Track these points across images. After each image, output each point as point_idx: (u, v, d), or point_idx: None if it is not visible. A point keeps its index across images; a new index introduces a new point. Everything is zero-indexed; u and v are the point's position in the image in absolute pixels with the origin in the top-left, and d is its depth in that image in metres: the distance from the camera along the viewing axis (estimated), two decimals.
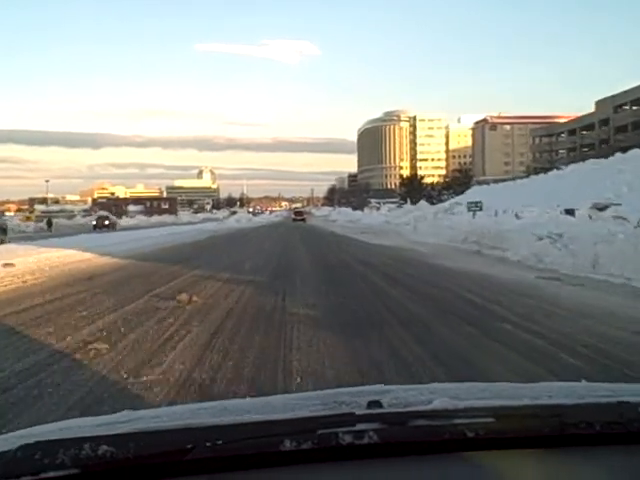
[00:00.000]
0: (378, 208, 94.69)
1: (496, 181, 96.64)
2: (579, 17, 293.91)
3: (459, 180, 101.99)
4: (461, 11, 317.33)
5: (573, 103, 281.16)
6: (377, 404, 1.40)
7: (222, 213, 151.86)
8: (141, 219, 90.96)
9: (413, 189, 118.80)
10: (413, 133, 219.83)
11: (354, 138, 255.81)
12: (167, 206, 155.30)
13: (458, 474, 1.22)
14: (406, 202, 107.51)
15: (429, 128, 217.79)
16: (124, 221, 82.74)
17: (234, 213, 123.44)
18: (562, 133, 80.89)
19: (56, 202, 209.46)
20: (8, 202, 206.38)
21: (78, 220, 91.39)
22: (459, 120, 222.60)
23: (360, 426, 1.24)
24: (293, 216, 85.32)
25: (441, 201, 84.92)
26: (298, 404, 1.51)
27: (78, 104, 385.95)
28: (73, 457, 1.16)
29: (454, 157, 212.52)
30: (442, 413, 1.32)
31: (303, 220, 77.80)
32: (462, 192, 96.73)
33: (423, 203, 57.02)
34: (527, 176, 68.98)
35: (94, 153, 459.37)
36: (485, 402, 1.44)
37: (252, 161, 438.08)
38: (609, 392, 1.58)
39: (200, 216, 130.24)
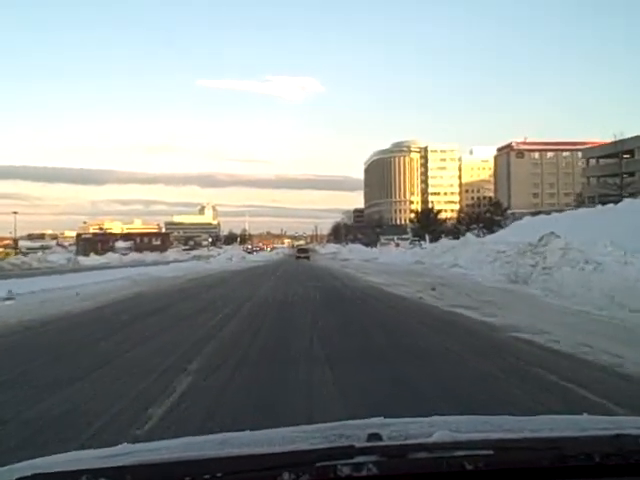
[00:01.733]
0: (398, 244, 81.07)
1: (534, 213, 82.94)
2: (595, 42, 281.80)
3: (491, 212, 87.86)
4: (469, 41, 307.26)
5: (592, 132, 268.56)
6: (377, 437, 1.40)
7: (218, 250, 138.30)
8: (115, 257, 76.63)
9: (428, 224, 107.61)
10: (424, 165, 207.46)
11: (358, 175, 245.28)
12: (159, 242, 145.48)
13: None
14: (421, 239, 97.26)
15: (441, 160, 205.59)
16: (90, 260, 69.28)
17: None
18: (631, 152, 64.73)
19: (54, 238, 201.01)
20: (4, 238, 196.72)
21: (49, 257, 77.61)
22: (471, 152, 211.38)
23: (359, 458, 1.25)
24: (296, 254, 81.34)
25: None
26: (298, 437, 1.51)
27: (82, 140, 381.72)
28: None
29: (467, 191, 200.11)
30: (442, 445, 1.32)
31: (307, 258, 73.68)
32: (495, 226, 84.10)
33: (470, 237, 42.63)
34: (576, 207, 55.38)
35: (98, 189, 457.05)
36: (485, 435, 1.44)
37: (254, 198, 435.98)
38: (610, 424, 1.61)
39: (193, 253, 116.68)
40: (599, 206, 37.85)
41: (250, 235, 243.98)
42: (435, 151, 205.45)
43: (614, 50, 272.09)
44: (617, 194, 56.34)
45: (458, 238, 77.63)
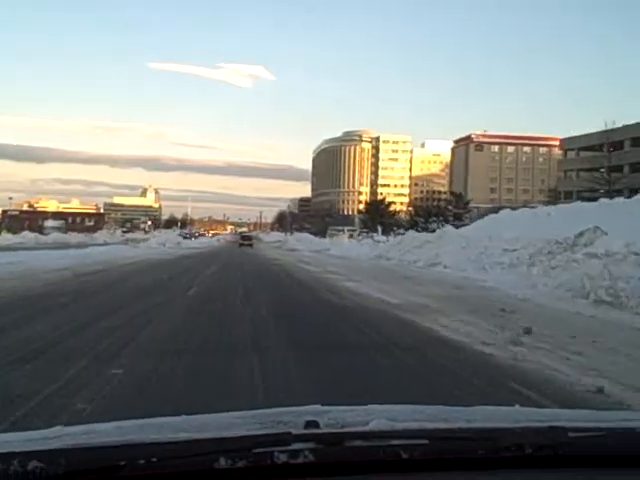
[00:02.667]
0: (351, 235, 74.38)
1: (498, 208, 77.10)
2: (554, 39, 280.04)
3: (453, 205, 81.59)
4: (424, 34, 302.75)
5: (551, 129, 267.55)
6: (314, 424, 1.40)
7: (154, 234, 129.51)
8: (31, 237, 67.71)
9: (379, 216, 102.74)
10: (375, 156, 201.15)
11: (305, 165, 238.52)
12: (92, 223, 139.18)
13: None
14: (370, 230, 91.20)
15: (393, 151, 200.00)
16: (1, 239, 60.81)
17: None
18: (620, 143, 57.76)
19: None
20: None
21: None
22: (423, 145, 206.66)
23: (296, 445, 1.26)
24: (240, 241, 78.74)
25: (427, 230, 66.27)
26: (235, 423, 1.50)
27: (25, 117, 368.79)
28: (1, 473, 1.15)
29: (416, 185, 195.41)
30: (378, 434, 1.33)
31: (250, 245, 71.87)
32: (458, 219, 77.97)
33: (450, 230, 35.79)
34: (547, 203, 49.59)
35: (38, 168, 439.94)
36: (421, 424, 1.45)
37: (200, 183, 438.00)
38: (542, 417, 1.64)
39: (127, 236, 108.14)
40: (603, 200, 31.26)
41: (192, 220, 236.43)
42: (387, 142, 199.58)
43: (575, 47, 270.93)
44: (605, 189, 50.23)
45: (418, 231, 71.71)
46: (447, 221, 78.12)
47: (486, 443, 1.32)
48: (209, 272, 24.35)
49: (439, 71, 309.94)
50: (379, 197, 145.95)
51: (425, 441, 1.30)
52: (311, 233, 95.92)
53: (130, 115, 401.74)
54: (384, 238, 71.90)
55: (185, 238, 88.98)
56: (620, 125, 54.74)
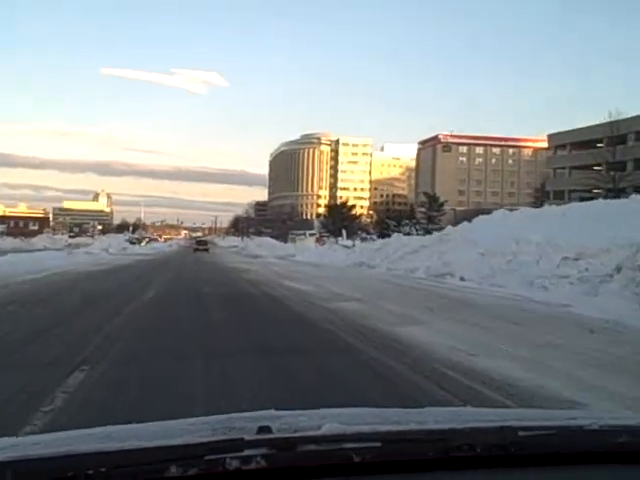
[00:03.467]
0: (323, 241, 68.57)
1: (478, 211, 71.60)
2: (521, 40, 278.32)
3: (427, 207, 75.83)
4: (381, 35, 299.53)
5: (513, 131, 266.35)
6: (267, 429, 1.39)
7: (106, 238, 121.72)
8: None
9: (341, 219, 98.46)
10: (335, 159, 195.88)
11: (258, 170, 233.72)
12: (36, 227, 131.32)
13: None
14: (331, 234, 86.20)
15: (353, 154, 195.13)
16: None
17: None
18: (622, 137, 50.43)
19: None
20: None
21: None
22: (382, 149, 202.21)
23: (248, 451, 1.25)
24: (195, 246, 75.96)
25: (400, 233, 61.17)
26: (187, 430, 1.47)
27: None
28: None
29: (376, 189, 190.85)
30: (330, 438, 1.33)
31: (206, 250, 69.71)
32: (432, 222, 72.44)
33: (452, 231, 29.77)
34: (534, 204, 44.35)
35: None
36: (373, 427, 1.44)
37: (153, 188, 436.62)
38: (493, 417, 1.67)
39: (71, 241, 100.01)
40: (635, 196, 25.60)
41: (144, 224, 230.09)
42: (347, 144, 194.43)
43: (539, 47, 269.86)
44: (607, 188, 44.78)
45: (389, 235, 66.03)
46: (420, 224, 72.76)
47: (437, 444, 1.32)
48: (146, 299, 14.83)
49: (397, 74, 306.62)
50: (339, 200, 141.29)
51: (377, 444, 1.29)
52: (272, 237, 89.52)
53: (82, 120, 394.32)
54: (350, 242, 67.20)
55: (132, 243, 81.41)
56: (621, 118, 49.22)
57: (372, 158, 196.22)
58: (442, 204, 76.69)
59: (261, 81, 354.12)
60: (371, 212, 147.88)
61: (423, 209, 76.81)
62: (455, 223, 56.55)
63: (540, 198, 66.36)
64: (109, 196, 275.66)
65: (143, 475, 1.18)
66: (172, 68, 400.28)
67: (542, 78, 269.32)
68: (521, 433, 1.38)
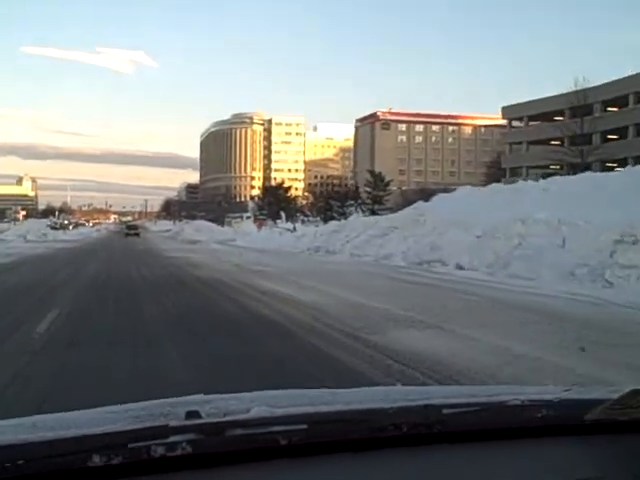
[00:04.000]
0: (263, 223, 65.12)
1: (422, 190, 68.71)
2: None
3: (372, 187, 72.41)
4: (313, 12, 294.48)
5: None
6: (196, 414, 1.36)
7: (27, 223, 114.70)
8: None
9: (278, 201, 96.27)
10: (268, 139, 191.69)
11: (190, 153, 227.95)
12: None
13: None
14: (267, 217, 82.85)
15: (286, 134, 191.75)
16: None
17: None
18: (587, 108, 46.84)
19: None
20: None
21: None
22: (315, 129, 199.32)
23: (174, 438, 1.23)
24: (126, 231, 74.30)
25: (345, 215, 58.59)
26: (111, 418, 1.43)
27: None
28: None
29: (310, 170, 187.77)
30: (258, 421, 1.33)
31: (137, 234, 68.36)
32: (378, 203, 69.33)
33: (429, 211, 26.21)
34: (486, 183, 42.17)
35: None
36: (301, 409, 1.46)
37: (80, 172, 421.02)
38: (419, 395, 1.65)
39: None
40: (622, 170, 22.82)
41: (71, 209, 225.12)
42: (280, 124, 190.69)
43: (473, 22, 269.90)
44: (576, 163, 41.98)
45: (333, 217, 62.80)
46: (365, 204, 69.64)
47: (363, 425, 1.33)
48: (38, 337, 7.99)
49: (331, 52, 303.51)
50: (274, 182, 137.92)
51: (304, 426, 1.29)
52: (208, 221, 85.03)
53: (9, 102, 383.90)
54: (290, 225, 64.16)
55: (54, 229, 74.95)
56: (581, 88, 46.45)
57: (305, 138, 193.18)
58: (388, 183, 73.50)
59: (189, 60, 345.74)
60: (306, 194, 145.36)
61: (368, 189, 73.42)
62: (403, 203, 53.69)
63: (493, 176, 63.64)
64: (34, 180, 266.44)
65: (65, 465, 1.15)
66: (98, 47, 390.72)
67: (487, 53, 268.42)
68: (445, 411, 1.39)
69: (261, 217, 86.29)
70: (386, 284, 15.24)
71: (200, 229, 64.56)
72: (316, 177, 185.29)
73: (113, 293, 13.63)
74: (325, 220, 66.97)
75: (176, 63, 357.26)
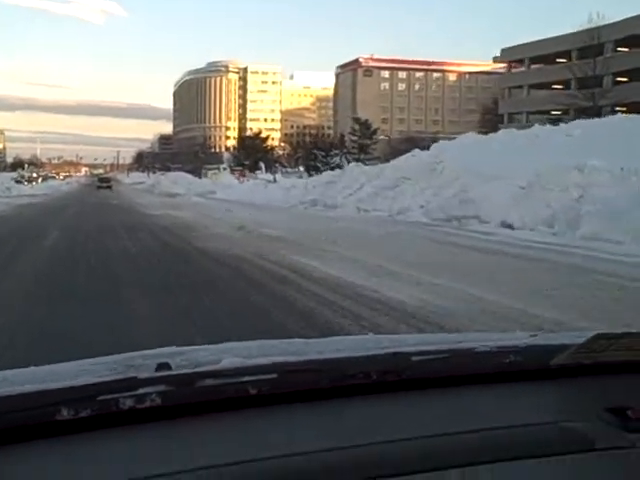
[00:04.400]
0: (244, 175, 62.10)
1: (408, 139, 65.50)
2: None
3: (358, 135, 69.03)
4: None
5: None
6: (166, 366, 1.38)
7: None
8: None
9: (254, 151, 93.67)
10: (243, 88, 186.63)
11: (163, 104, 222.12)
12: None
13: (241, 432, 1.24)
14: (244, 168, 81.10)
15: (262, 82, 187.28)
16: None
17: None
18: (600, 47, 43.35)
19: None
20: None
21: None
22: (292, 77, 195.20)
23: (144, 389, 1.23)
24: (98, 183, 73.34)
25: (329, 165, 55.66)
26: (82, 370, 1.44)
27: None
28: None
29: (286, 120, 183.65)
30: (229, 372, 1.33)
31: (110, 187, 67.21)
32: (364, 152, 66.06)
33: (447, 158, 23.15)
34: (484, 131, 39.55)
35: None
36: (272, 359, 1.45)
37: (51, 124, 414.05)
38: (392, 343, 1.67)
39: None
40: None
41: (41, 162, 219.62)
42: (256, 72, 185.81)
43: None
44: (586, 107, 39.01)
45: (318, 167, 59.58)
46: (351, 153, 66.38)
47: (333, 373, 1.34)
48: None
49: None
50: (249, 132, 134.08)
51: (274, 375, 1.31)
52: (186, 172, 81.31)
53: None
54: (270, 177, 61.33)
55: (18, 183, 68.74)
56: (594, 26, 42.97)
57: (282, 87, 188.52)
58: (375, 131, 70.18)
59: (161, 8, 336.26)
60: (283, 144, 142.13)
61: (354, 137, 70.01)
62: (392, 152, 50.54)
63: (489, 122, 60.60)
64: (1, 132, 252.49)
65: (33, 419, 1.14)
66: None
67: None
68: (414, 358, 1.41)
69: (238, 168, 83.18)
70: (452, 253, 11.86)
71: (177, 181, 60.88)
72: (292, 127, 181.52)
73: (81, 306, 7.24)
74: (308, 171, 63.97)
75: (148, 12, 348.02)
